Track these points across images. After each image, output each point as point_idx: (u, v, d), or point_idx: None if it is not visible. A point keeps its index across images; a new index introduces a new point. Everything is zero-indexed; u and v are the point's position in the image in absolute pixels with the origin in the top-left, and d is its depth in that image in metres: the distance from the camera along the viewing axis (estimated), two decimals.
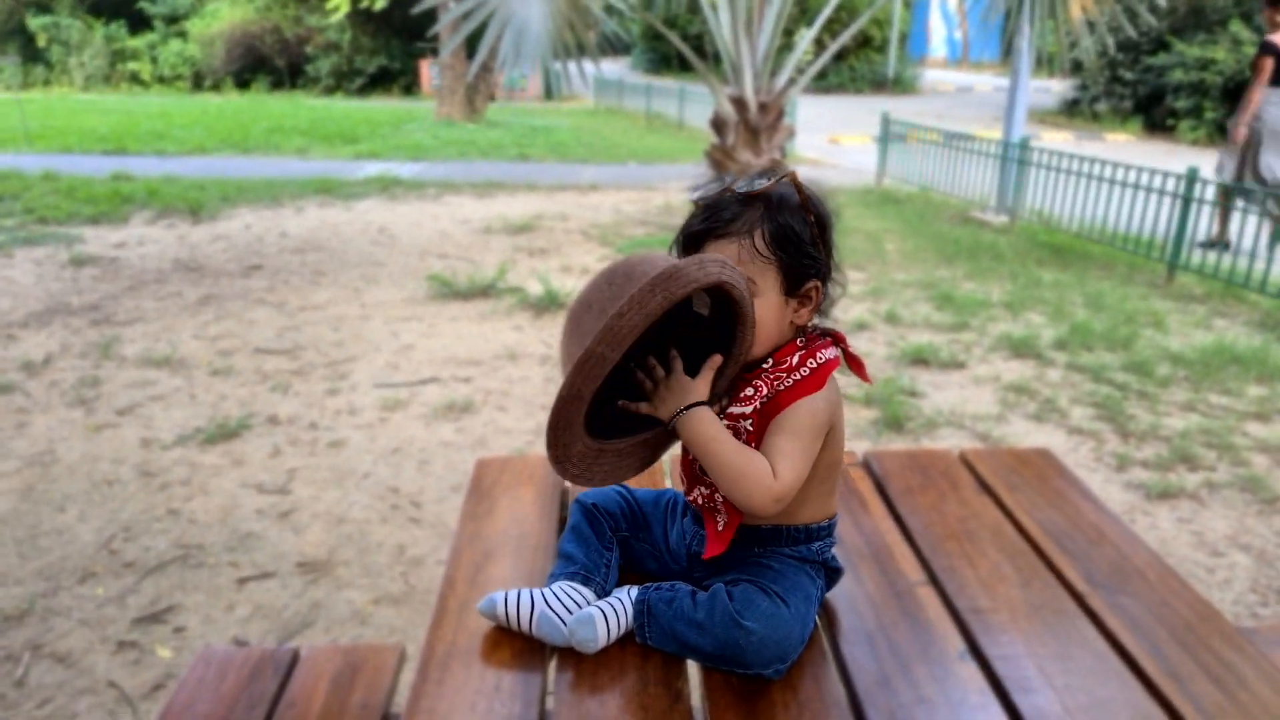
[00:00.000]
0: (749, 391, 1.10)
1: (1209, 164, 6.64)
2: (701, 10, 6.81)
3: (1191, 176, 5.46)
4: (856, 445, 3.28)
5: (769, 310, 1.08)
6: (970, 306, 4.91)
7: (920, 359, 4.11)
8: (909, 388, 3.78)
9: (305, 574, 2.46)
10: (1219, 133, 12.52)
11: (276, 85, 21.34)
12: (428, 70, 20.62)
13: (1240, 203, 5.79)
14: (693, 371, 1.09)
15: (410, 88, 21.15)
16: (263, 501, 2.82)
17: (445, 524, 2.71)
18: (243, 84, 21.17)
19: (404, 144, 11.56)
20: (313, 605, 2.33)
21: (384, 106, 17.48)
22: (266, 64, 21.32)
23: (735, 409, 1.10)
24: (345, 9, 18.43)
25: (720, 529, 1.12)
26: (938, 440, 3.32)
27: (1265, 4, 6.13)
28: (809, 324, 1.14)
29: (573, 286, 5.10)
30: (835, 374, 1.12)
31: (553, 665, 1.07)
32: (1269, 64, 5.98)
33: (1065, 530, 1.33)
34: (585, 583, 1.18)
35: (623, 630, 1.11)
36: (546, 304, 4.79)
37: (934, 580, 1.22)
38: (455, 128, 13.49)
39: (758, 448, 1.08)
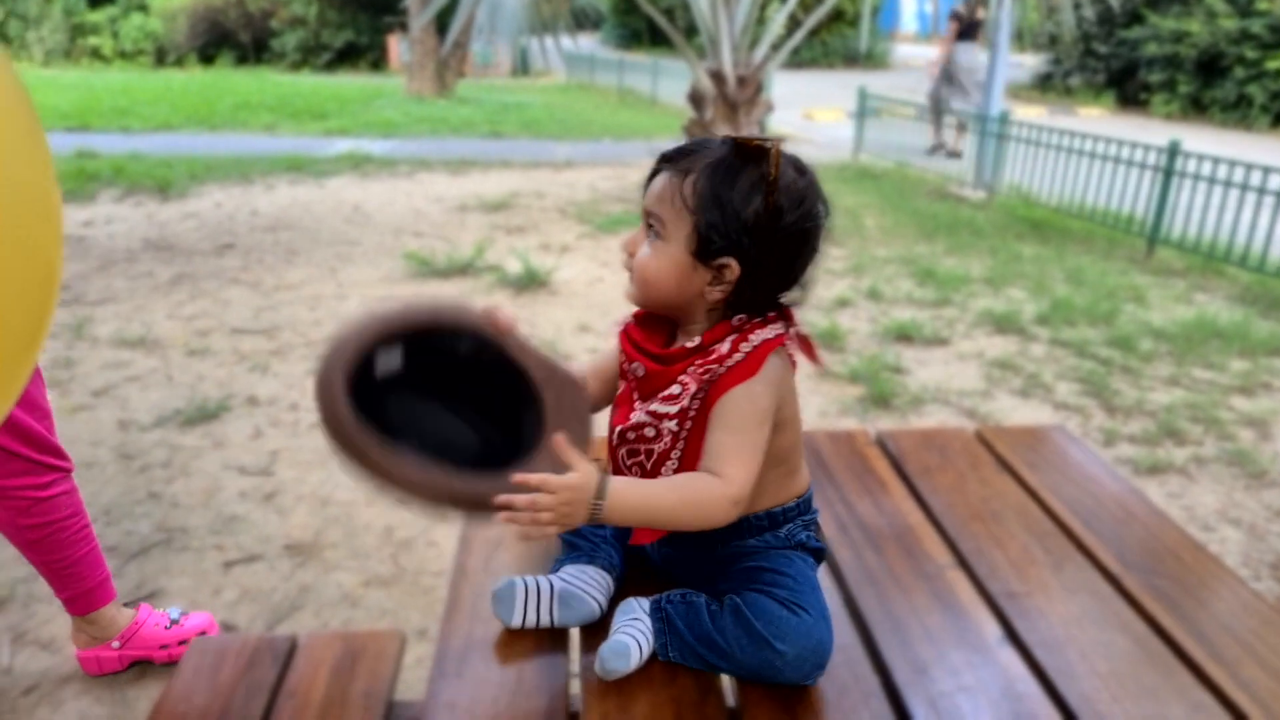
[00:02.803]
0: (674, 389, 0.99)
1: (1186, 137, 6.69)
2: None
3: (1173, 149, 5.48)
4: (844, 423, 3.26)
5: (669, 261, 0.97)
6: (952, 282, 4.90)
7: (904, 335, 4.10)
8: (894, 364, 3.76)
9: (293, 556, 2.40)
10: (1193, 107, 12.64)
11: (241, 60, 20.81)
12: (396, 45, 20.22)
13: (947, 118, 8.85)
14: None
15: (378, 63, 20.72)
16: (246, 484, 2.74)
17: None
18: (207, 59, 20.62)
19: (374, 120, 11.32)
20: (301, 588, 2.27)
21: (352, 82, 17.11)
22: (231, 39, 20.77)
23: (657, 406, 1.00)
24: None
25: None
26: (925, 417, 3.30)
27: None
28: (723, 304, 1.00)
29: (553, 264, 5.02)
30: (788, 355, 1.01)
31: (575, 653, 1.02)
32: (955, 26, 8.90)
33: (1091, 510, 1.30)
34: (590, 561, 1.13)
35: (649, 651, 1.02)
36: (527, 282, 4.71)
37: (963, 563, 1.18)
38: (426, 104, 13.24)
39: (686, 451, 0.99)
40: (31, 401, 1.60)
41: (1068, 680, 0.97)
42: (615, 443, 1.05)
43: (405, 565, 2.38)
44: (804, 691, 0.97)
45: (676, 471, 1.01)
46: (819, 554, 1.11)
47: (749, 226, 0.95)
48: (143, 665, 1.94)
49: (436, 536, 2.50)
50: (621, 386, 1.09)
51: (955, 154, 8.38)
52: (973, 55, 8.93)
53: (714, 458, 0.97)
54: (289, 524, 2.54)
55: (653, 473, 1.02)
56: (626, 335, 1.08)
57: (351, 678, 1.34)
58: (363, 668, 1.37)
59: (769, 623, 0.98)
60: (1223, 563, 1.17)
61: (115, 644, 1.88)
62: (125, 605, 1.97)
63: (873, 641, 1.05)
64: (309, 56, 20.40)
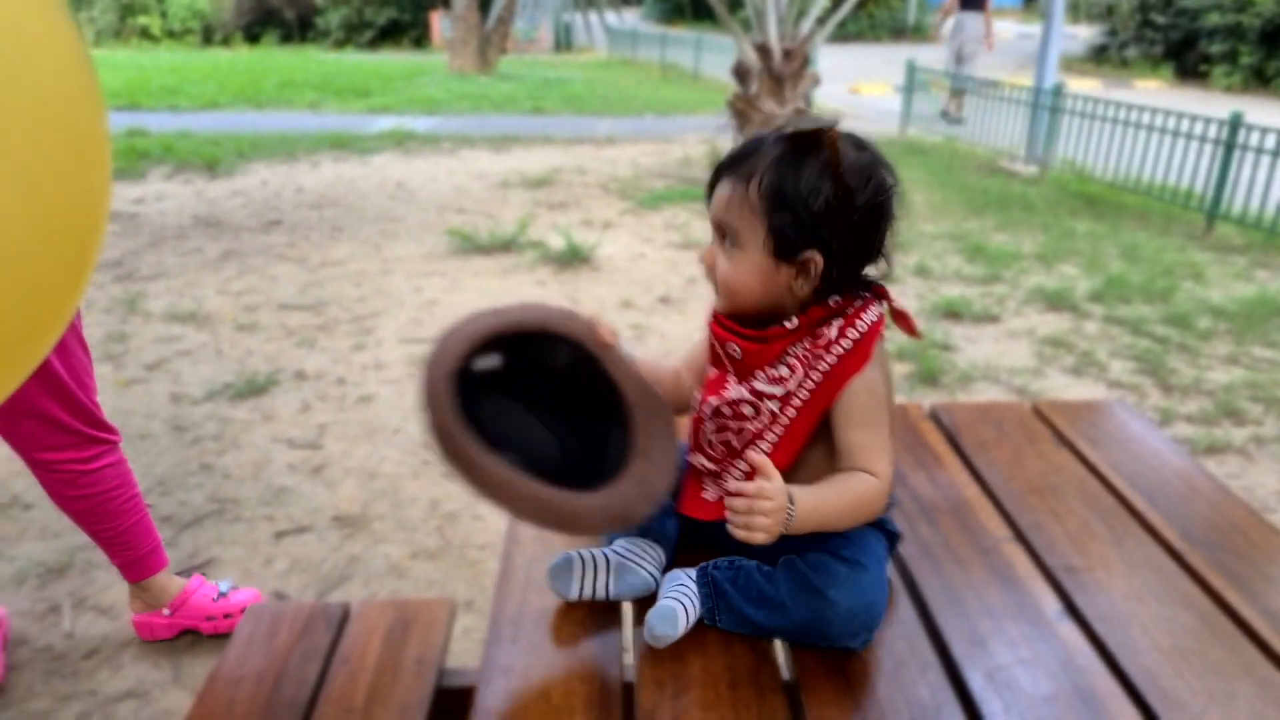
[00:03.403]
0: (783, 370, 0.98)
1: (1249, 110, 6.44)
2: None
3: (1235, 122, 5.28)
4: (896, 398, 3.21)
5: (751, 268, 0.96)
6: (1002, 258, 4.80)
7: (953, 312, 4.03)
8: (942, 341, 3.70)
9: (341, 528, 2.44)
10: (1256, 79, 12.18)
11: (286, 39, 21.04)
12: (438, 22, 20.25)
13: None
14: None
15: (420, 40, 20.80)
16: (294, 456, 2.79)
17: None
18: (252, 38, 20.88)
19: (417, 97, 11.37)
20: (350, 559, 2.31)
21: (395, 60, 17.20)
22: (275, 17, 20.99)
23: (762, 386, 0.99)
24: None
25: (707, 497, 1.06)
26: (974, 395, 3.25)
27: None
28: (813, 295, 0.99)
29: (595, 240, 5.02)
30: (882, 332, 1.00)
31: (627, 623, 1.02)
32: None
33: (1154, 485, 1.26)
34: (644, 534, 1.12)
35: (697, 617, 1.03)
36: (569, 258, 4.71)
37: (1020, 537, 1.16)
38: (468, 81, 13.27)
39: (784, 435, 0.99)
40: (77, 374, 1.63)
41: (1130, 655, 0.95)
42: (706, 416, 1.05)
43: (451, 538, 2.41)
44: (860, 661, 0.96)
45: (770, 454, 1.00)
46: (894, 538, 1.11)
47: (822, 216, 0.94)
48: (194, 634, 1.99)
49: (482, 510, 2.53)
50: (713, 372, 1.08)
51: (957, 120, 8.61)
52: (978, 24, 9.24)
53: (861, 456, 0.99)
54: (337, 496, 2.59)
55: (739, 451, 1.03)
56: (717, 322, 1.07)
57: (404, 644, 1.36)
58: (415, 635, 1.39)
59: (824, 574, 0.98)
60: None
61: (166, 611, 1.93)
62: (179, 574, 2.02)
63: (929, 614, 1.03)
64: (352, 34, 20.55)
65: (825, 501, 0.97)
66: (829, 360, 0.97)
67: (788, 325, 0.98)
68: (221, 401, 3.13)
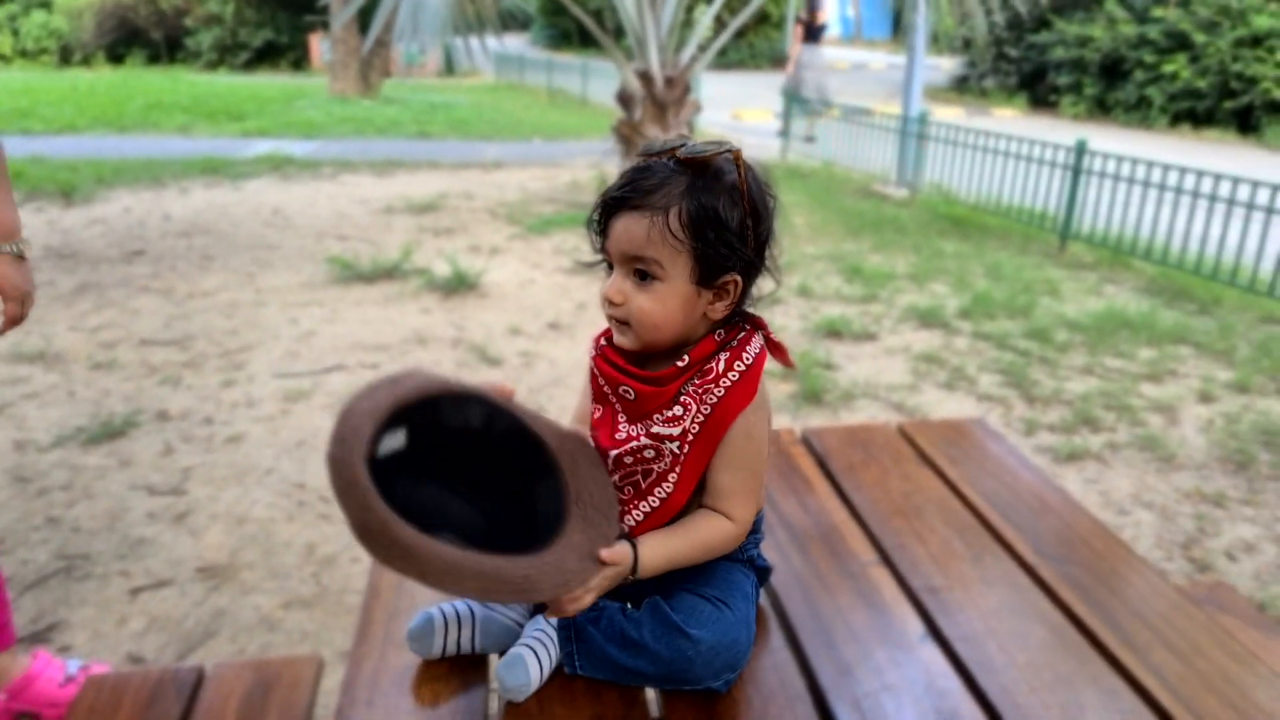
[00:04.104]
0: (676, 410, 0.98)
1: (1092, 137, 6.95)
2: None
3: (1080, 148, 5.68)
4: (778, 420, 3.27)
5: (675, 299, 0.96)
6: (878, 278, 5.00)
7: (834, 331, 4.15)
8: (824, 360, 3.80)
9: (206, 580, 2.29)
10: (1098, 107, 13.18)
11: (153, 60, 20.04)
12: (318, 45, 19.73)
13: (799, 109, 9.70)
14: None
15: (299, 63, 20.19)
16: (155, 504, 2.61)
17: None
18: (116, 58, 19.79)
19: (295, 121, 11.01)
20: (216, 613, 2.17)
21: (272, 82, 16.64)
22: (141, 37, 19.98)
23: (660, 429, 0.99)
24: None
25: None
26: (855, 412, 3.35)
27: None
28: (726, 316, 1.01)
29: (482, 267, 4.95)
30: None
31: (493, 680, 0.98)
32: (799, 30, 10.48)
33: (1008, 501, 1.32)
34: None
35: (553, 664, 1.00)
36: (455, 285, 4.62)
37: (886, 559, 1.18)
38: (350, 104, 12.95)
39: (683, 472, 0.99)
40: None
41: (988, 674, 0.98)
42: (609, 465, 1.02)
43: (328, 584, 2.29)
44: (731, 700, 0.95)
45: (671, 494, 1.00)
46: (764, 573, 1.12)
47: (739, 237, 0.96)
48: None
49: (360, 553, 2.42)
50: (599, 411, 1.05)
51: (810, 139, 9.56)
52: (816, 55, 10.45)
53: (723, 498, 1.00)
54: (202, 545, 2.43)
55: (647, 492, 1.02)
56: (603, 359, 1.04)
57: (264, 710, 1.27)
58: (276, 698, 1.30)
59: (687, 613, 0.98)
60: (1133, 549, 1.20)
61: (2, 696, 1.74)
62: (30, 640, 1.84)
63: (799, 644, 1.04)
64: (226, 56, 19.77)
65: (675, 553, 0.99)
66: (717, 393, 0.97)
67: (679, 364, 0.98)
68: (72, 447, 2.91)
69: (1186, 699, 0.95)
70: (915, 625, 1.06)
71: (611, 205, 0.97)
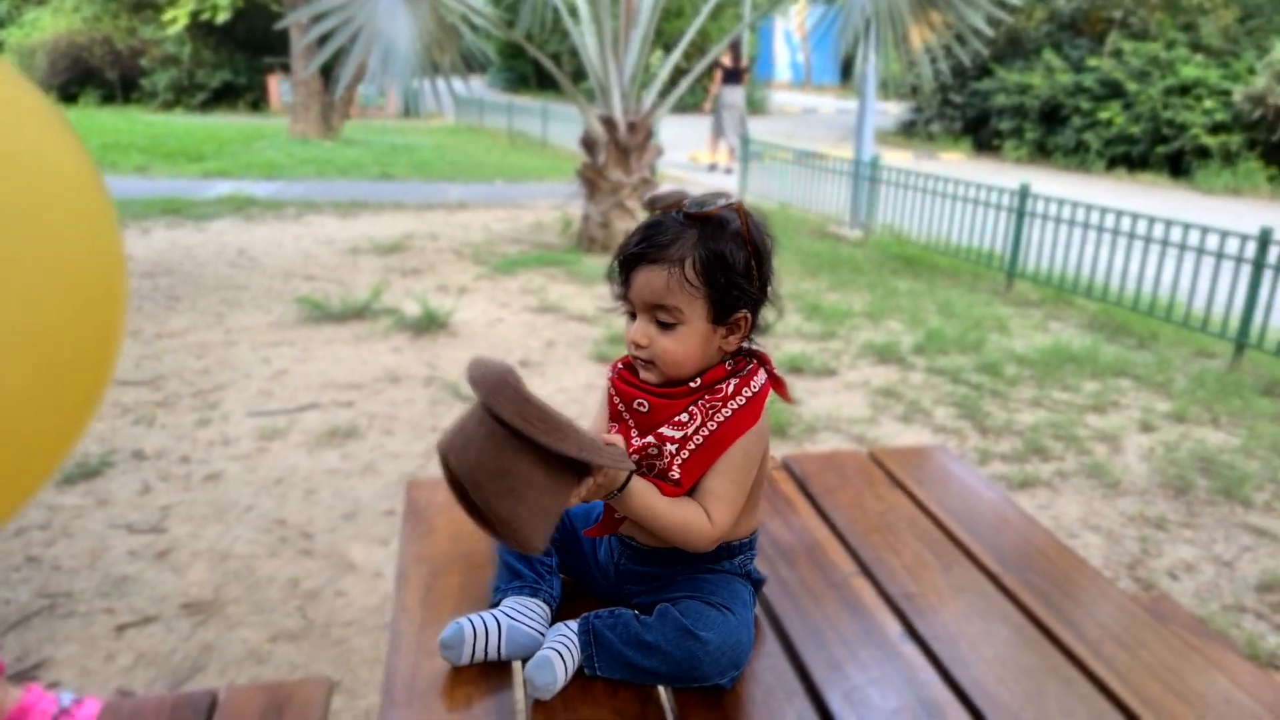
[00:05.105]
0: (683, 417, 1.10)
1: (1034, 180, 7.30)
2: (562, 30, 6.89)
3: (1024, 192, 5.98)
4: None
5: (694, 338, 1.09)
6: (836, 316, 5.18)
7: (795, 368, 4.30)
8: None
9: (191, 615, 2.31)
10: (1039, 151, 13.77)
11: (108, 99, 19.84)
12: (276, 86, 19.74)
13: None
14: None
15: (258, 104, 20.17)
16: (135, 542, 2.63)
17: (340, 554, 2.61)
18: (69, 98, 19.55)
19: (256, 162, 11.02)
20: (203, 648, 2.20)
21: (231, 123, 16.60)
22: (96, 77, 19.79)
23: (665, 430, 1.10)
24: (184, 21, 17.41)
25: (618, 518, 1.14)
26: (819, 444, 3.48)
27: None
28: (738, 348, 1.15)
29: (451, 306, 5.03)
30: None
31: (519, 681, 1.07)
32: (719, 73, 11.57)
33: (972, 518, 1.45)
34: (534, 594, 1.18)
35: (576, 665, 1.10)
36: (426, 324, 4.69)
37: (865, 570, 1.30)
38: (311, 145, 12.99)
39: (682, 477, 1.09)
40: None
41: (960, 667, 1.09)
42: None
43: (314, 617, 2.33)
44: (735, 696, 1.05)
45: (678, 481, 1.11)
46: (759, 584, 1.23)
47: (746, 277, 1.09)
48: None
49: (345, 586, 2.47)
50: (614, 429, 1.17)
51: (728, 171, 10.86)
52: (736, 94, 11.60)
53: (708, 499, 1.10)
54: (185, 581, 2.46)
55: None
56: (621, 379, 1.17)
57: None
58: (290, 719, 1.36)
59: (695, 618, 1.08)
60: (1085, 559, 1.33)
61: None
62: (16, 678, 1.86)
63: (792, 646, 1.14)
64: (182, 96, 19.66)
65: (657, 509, 1.08)
66: (725, 413, 1.10)
67: (692, 385, 1.11)
68: (48, 487, 2.91)
69: (1135, 686, 1.07)
70: (894, 627, 1.17)
71: (632, 260, 1.10)
